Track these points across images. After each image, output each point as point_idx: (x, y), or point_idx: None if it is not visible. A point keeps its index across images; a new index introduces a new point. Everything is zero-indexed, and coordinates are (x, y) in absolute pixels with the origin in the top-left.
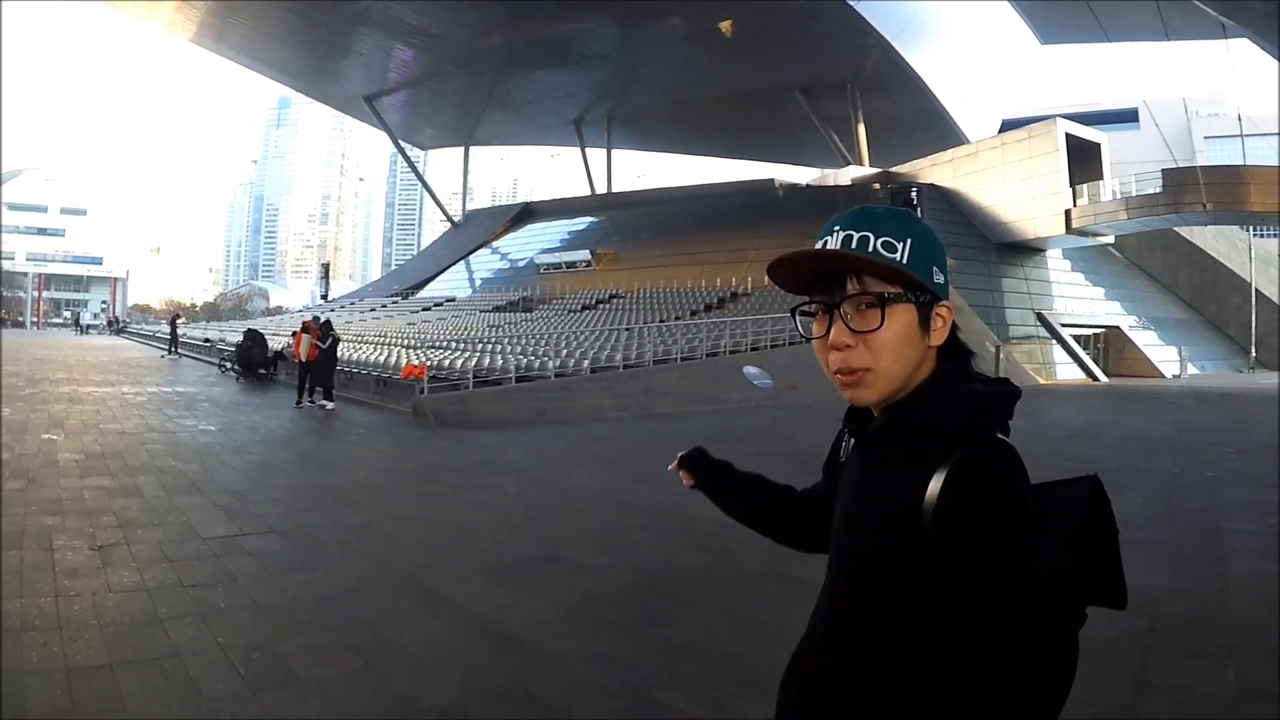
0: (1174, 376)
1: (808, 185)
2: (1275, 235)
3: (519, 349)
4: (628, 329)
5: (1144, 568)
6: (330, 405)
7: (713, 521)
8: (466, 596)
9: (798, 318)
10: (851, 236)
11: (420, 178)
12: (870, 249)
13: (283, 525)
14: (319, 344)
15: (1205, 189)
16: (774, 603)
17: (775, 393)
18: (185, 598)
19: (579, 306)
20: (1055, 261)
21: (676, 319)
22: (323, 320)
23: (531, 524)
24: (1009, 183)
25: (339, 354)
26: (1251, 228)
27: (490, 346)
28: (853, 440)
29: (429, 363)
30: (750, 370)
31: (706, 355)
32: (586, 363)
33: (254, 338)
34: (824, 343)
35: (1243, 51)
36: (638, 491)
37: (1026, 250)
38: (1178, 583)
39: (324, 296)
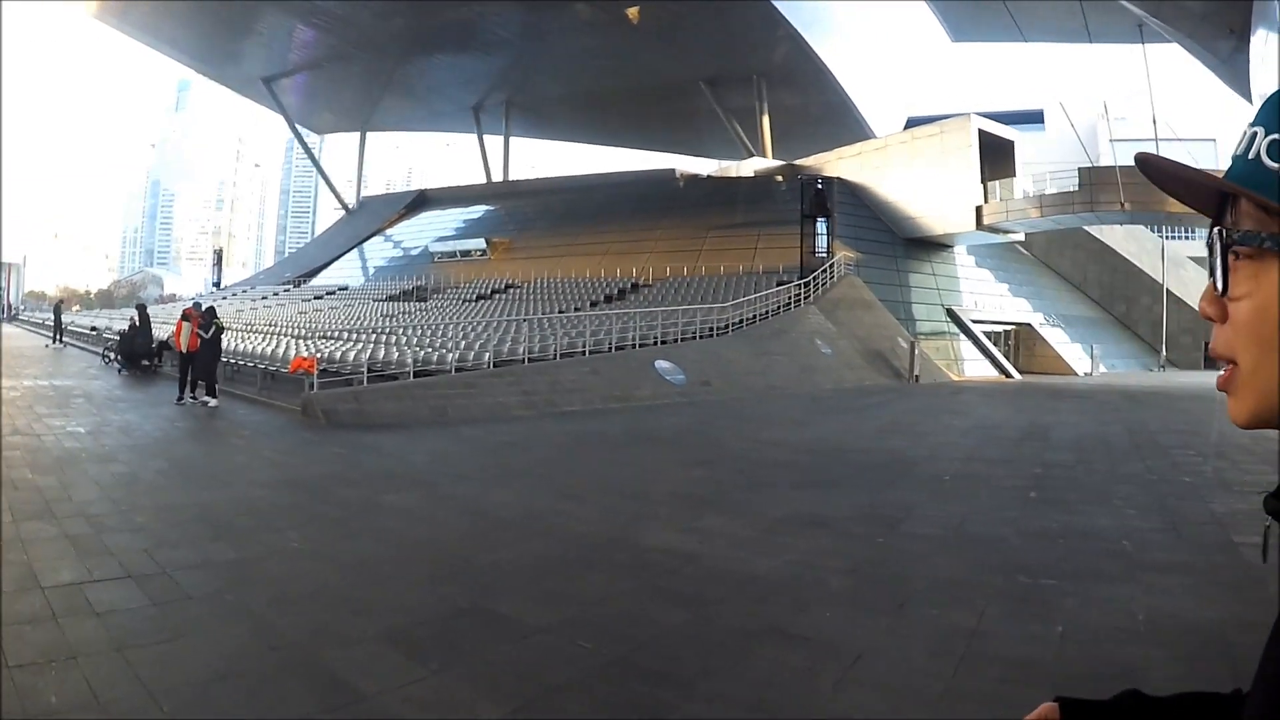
0: (1085, 374)
1: (708, 176)
2: (1182, 238)
3: (416, 340)
4: (526, 319)
5: (1188, 596)
6: (213, 402)
7: (667, 552)
8: (376, 682)
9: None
10: (1246, 135)
11: (315, 163)
12: (1253, 153)
13: (142, 567)
14: (201, 333)
15: (1124, 188)
16: (783, 674)
17: (688, 389)
18: None
19: (474, 296)
20: (962, 258)
21: (576, 310)
22: (205, 307)
23: (449, 561)
24: (919, 178)
25: (223, 344)
26: (1159, 229)
27: (385, 338)
28: None
29: (319, 355)
30: (662, 365)
31: (615, 348)
32: (488, 356)
33: (142, 316)
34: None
35: (1157, 56)
36: (568, 512)
37: (934, 246)
38: (1236, 612)
39: (217, 284)
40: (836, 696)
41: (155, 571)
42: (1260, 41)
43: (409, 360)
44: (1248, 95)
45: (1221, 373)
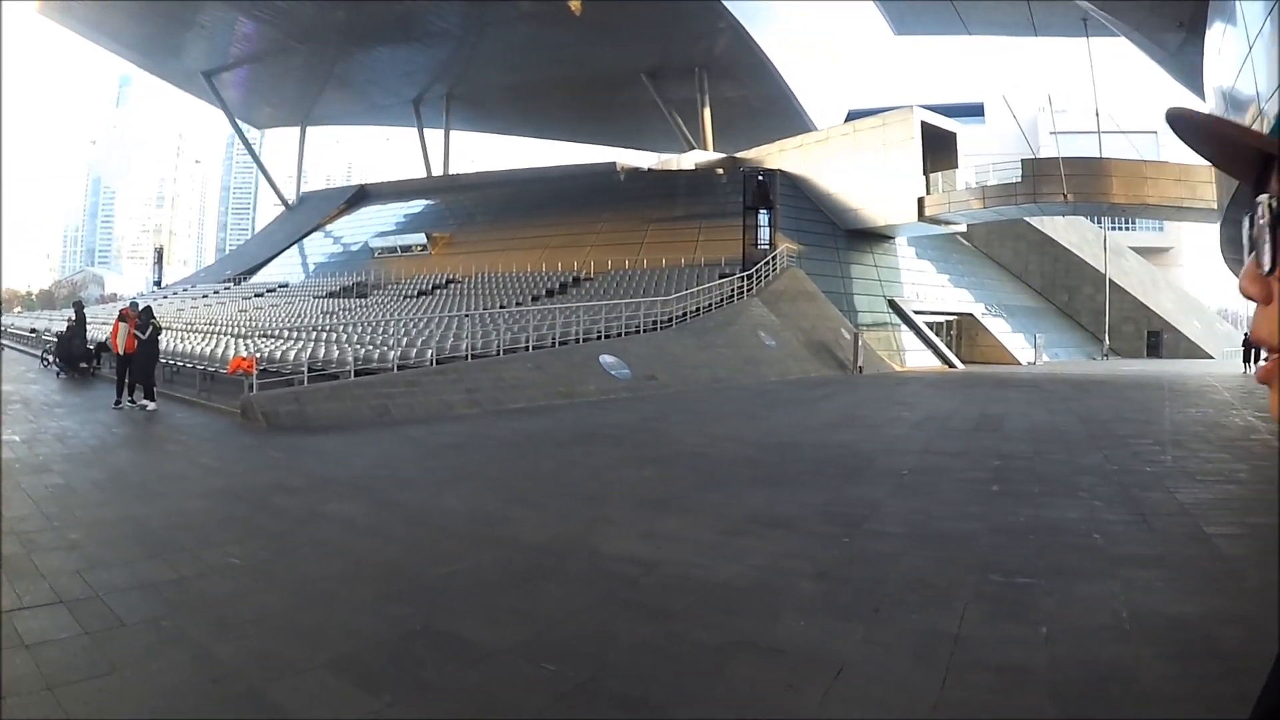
0: (1029, 364)
1: (649, 169)
2: (1122, 229)
3: (356, 338)
4: (468, 315)
5: (1168, 591)
6: (152, 406)
7: (627, 560)
8: (327, 716)
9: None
10: None
11: (256, 158)
12: None
13: (74, 590)
14: (138, 334)
15: (1066, 180)
16: (763, 692)
17: (634, 383)
18: None
19: (415, 292)
20: (903, 249)
21: (517, 305)
22: (142, 307)
23: (398, 576)
24: (861, 170)
25: (161, 345)
26: (1099, 220)
27: (326, 335)
28: None
29: (258, 355)
30: (607, 360)
31: (559, 343)
32: (431, 352)
33: (79, 316)
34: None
35: (1099, 50)
36: (519, 518)
37: (875, 237)
38: (1218, 606)
39: (158, 283)
40: (823, 715)
41: (89, 596)
42: (1217, 35)
43: (350, 358)
44: (1197, 88)
45: (1263, 362)
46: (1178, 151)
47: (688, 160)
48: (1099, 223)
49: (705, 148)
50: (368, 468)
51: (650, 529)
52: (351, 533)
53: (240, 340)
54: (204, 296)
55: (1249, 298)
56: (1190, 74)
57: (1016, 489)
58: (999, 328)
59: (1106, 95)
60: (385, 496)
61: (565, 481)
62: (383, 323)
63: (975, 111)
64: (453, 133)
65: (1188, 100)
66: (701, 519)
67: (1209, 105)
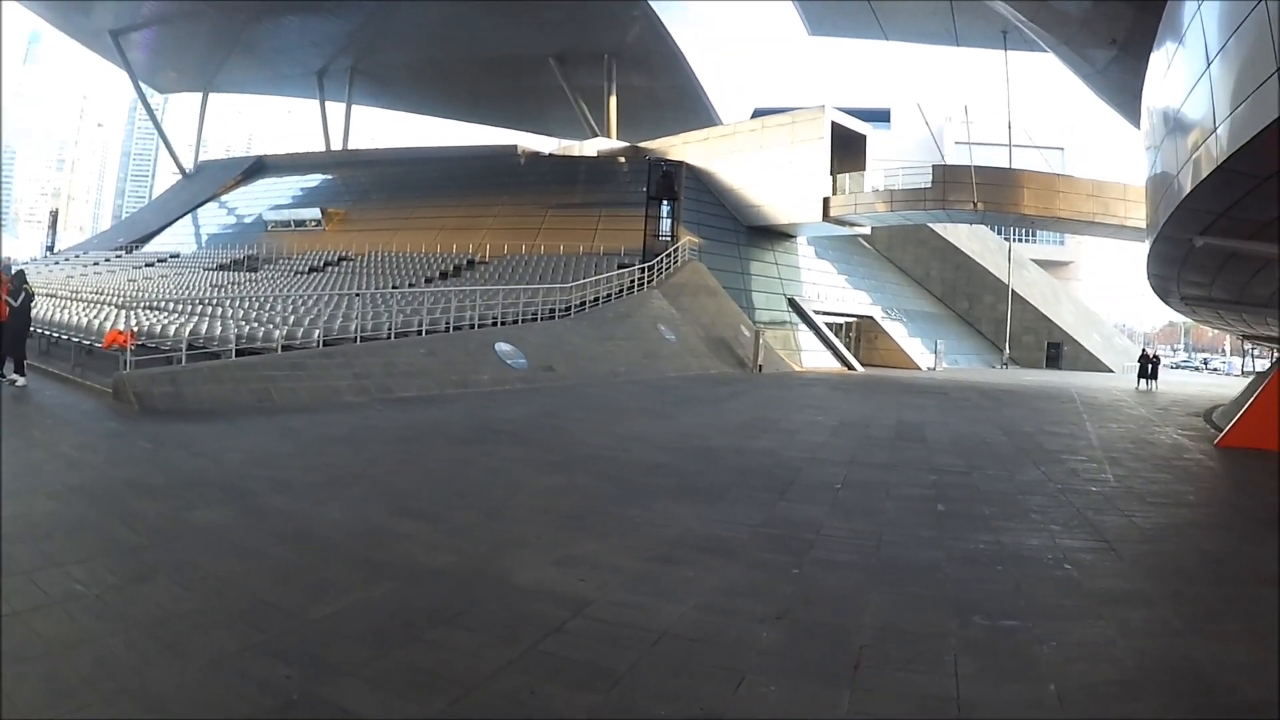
0: (929, 369)
1: (550, 154)
2: (1025, 240)
3: (242, 314)
4: (359, 294)
5: (1166, 634)
6: (21, 381)
7: (547, 596)
8: None
9: None
10: None
11: (156, 123)
12: None
13: None
14: (9, 300)
15: (977, 189)
16: None
17: (530, 373)
18: None
19: (306, 268)
20: (804, 248)
21: (410, 286)
22: (15, 271)
23: (270, 616)
24: (767, 167)
25: (33, 313)
26: (1000, 230)
27: (210, 310)
28: None
29: (136, 329)
30: (503, 348)
31: (453, 328)
32: (318, 333)
33: None
34: None
35: (1011, 63)
36: (414, 536)
37: (777, 235)
38: (1225, 650)
39: (50, 248)
40: None
41: None
42: (1164, 55)
43: (231, 336)
44: (1122, 105)
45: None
46: (1085, 167)
47: (590, 147)
48: (1001, 233)
49: (609, 136)
50: (243, 465)
51: (569, 553)
52: (218, 551)
53: (122, 312)
54: (95, 264)
55: None
56: (1116, 91)
57: (964, 509)
58: (899, 332)
59: (1017, 109)
60: (259, 503)
61: (464, 488)
62: (270, 299)
63: (881, 117)
64: (356, 108)
65: (1095, 118)
66: (626, 541)
67: (1145, 126)
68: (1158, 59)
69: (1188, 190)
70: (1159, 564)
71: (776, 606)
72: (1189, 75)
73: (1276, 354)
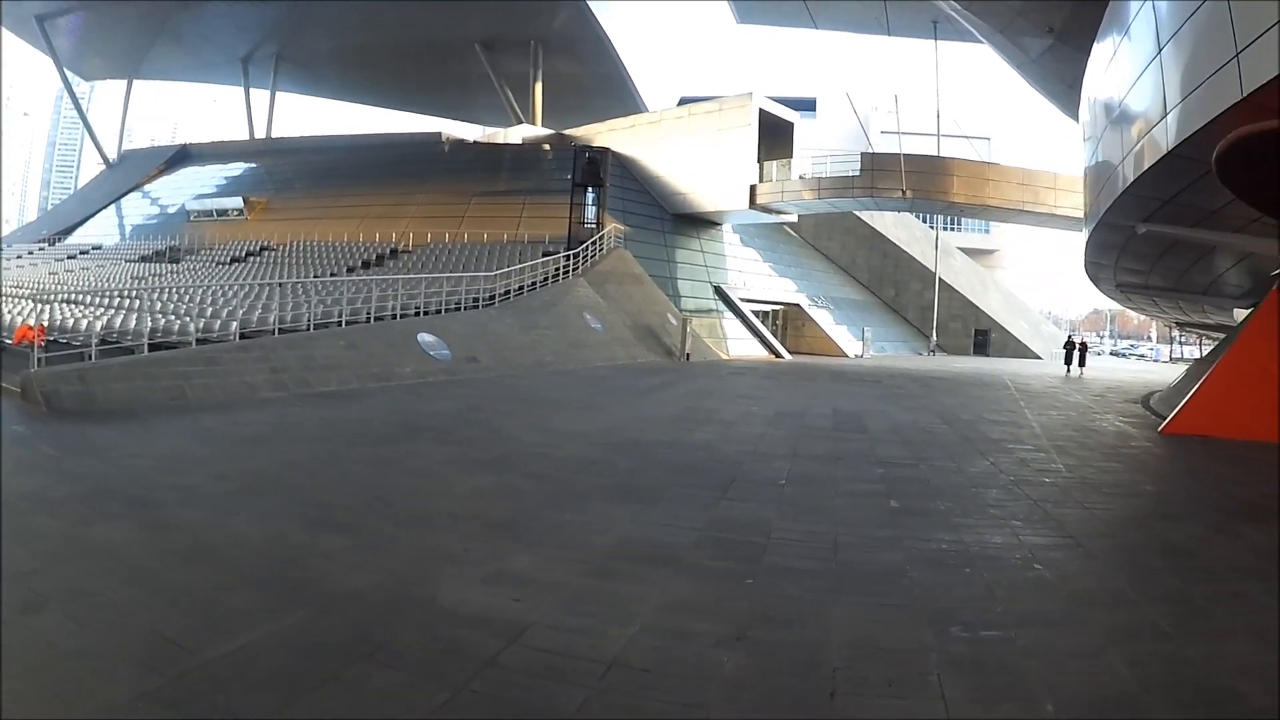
0: (857, 356)
1: (475, 142)
2: (952, 229)
3: (159, 307)
4: (280, 283)
5: (1156, 638)
6: None
7: (477, 622)
8: None
9: None
10: None
11: (80, 111)
12: None
13: None
14: None
15: (906, 176)
16: None
17: (454, 365)
18: None
19: (228, 259)
20: (729, 236)
21: (332, 275)
22: None
23: (168, 653)
24: (694, 154)
25: None
26: (927, 219)
27: (127, 303)
28: None
29: (48, 323)
30: (426, 339)
31: (374, 319)
32: (235, 325)
33: None
34: None
35: (944, 52)
36: (330, 551)
37: (703, 223)
38: (1218, 652)
39: None
40: None
41: None
42: (1109, 46)
43: (145, 330)
44: (1055, 94)
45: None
46: (1011, 156)
47: (515, 134)
48: (927, 221)
49: (534, 123)
50: (149, 471)
51: (500, 567)
52: (115, 575)
53: (36, 305)
54: (18, 256)
55: None
56: (1050, 80)
57: (918, 505)
58: (826, 319)
59: (944, 99)
60: (164, 515)
61: (385, 494)
62: (187, 291)
63: (807, 107)
64: (283, 96)
65: (1035, 108)
66: (562, 551)
67: (1085, 118)
68: (1100, 51)
69: (1132, 178)
70: (1130, 560)
71: (734, 625)
72: (1135, 66)
73: (1215, 342)
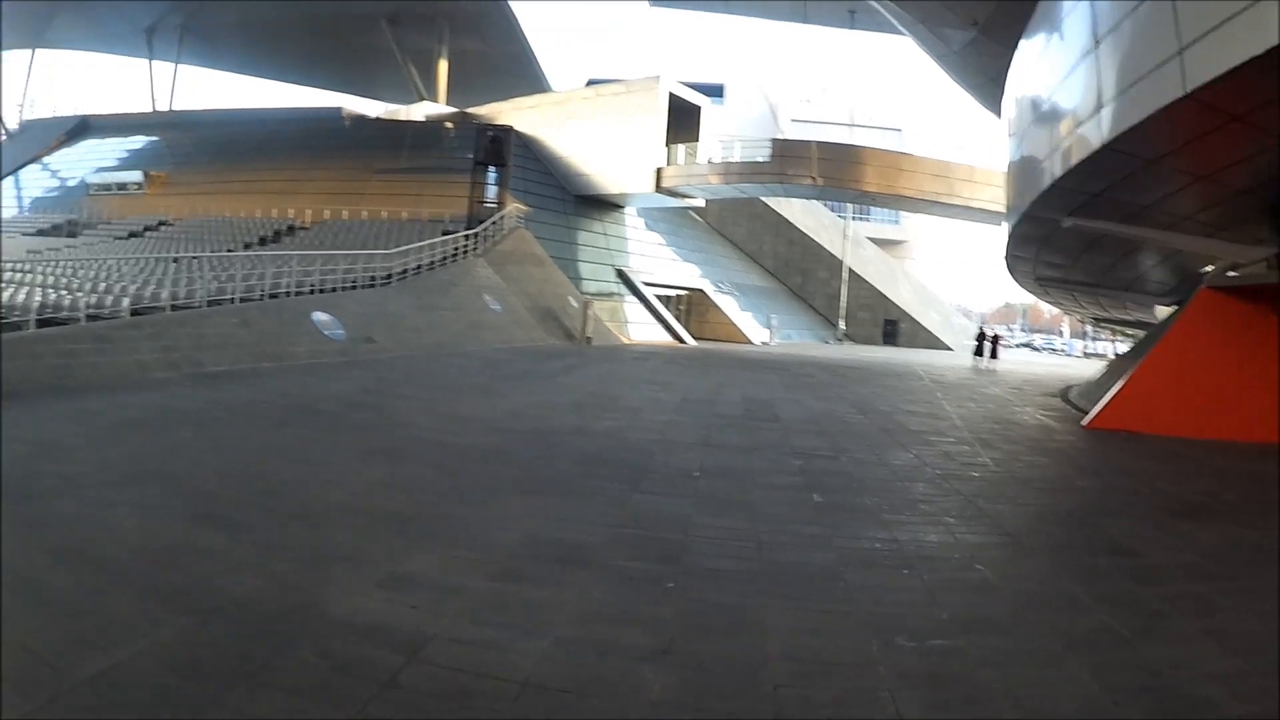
0: (763, 343)
1: (376, 118)
2: (861, 219)
3: (52, 280)
4: (176, 258)
5: (1116, 645)
6: None
7: (372, 634)
8: None
9: None
10: None
11: None
12: None
13: None
14: None
15: (818, 163)
16: None
17: (349, 346)
18: None
19: (126, 233)
20: (633, 219)
21: (228, 251)
22: None
23: (37, 678)
24: (600, 135)
25: None
26: (835, 207)
27: (16, 277)
28: None
29: None
30: (320, 318)
31: (268, 296)
32: (127, 301)
33: None
34: None
35: (857, 42)
36: (214, 550)
37: (606, 205)
38: (1194, 660)
39: None
40: None
41: None
42: (1038, 42)
43: (33, 306)
44: (978, 87)
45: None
46: (922, 148)
47: (418, 111)
48: (836, 210)
49: (438, 101)
50: (28, 459)
51: (396, 569)
52: None
53: None
54: None
55: None
56: (970, 73)
57: (844, 500)
58: (730, 305)
59: (856, 90)
60: (38, 508)
61: (275, 485)
62: (80, 265)
63: (715, 93)
64: (189, 69)
65: (955, 101)
66: (465, 550)
67: (1009, 113)
68: (1029, 46)
69: (1060, 172)
70: (1074, 559)
71: (658, 636)
72: (1067, 61)
73: (1130, 338)
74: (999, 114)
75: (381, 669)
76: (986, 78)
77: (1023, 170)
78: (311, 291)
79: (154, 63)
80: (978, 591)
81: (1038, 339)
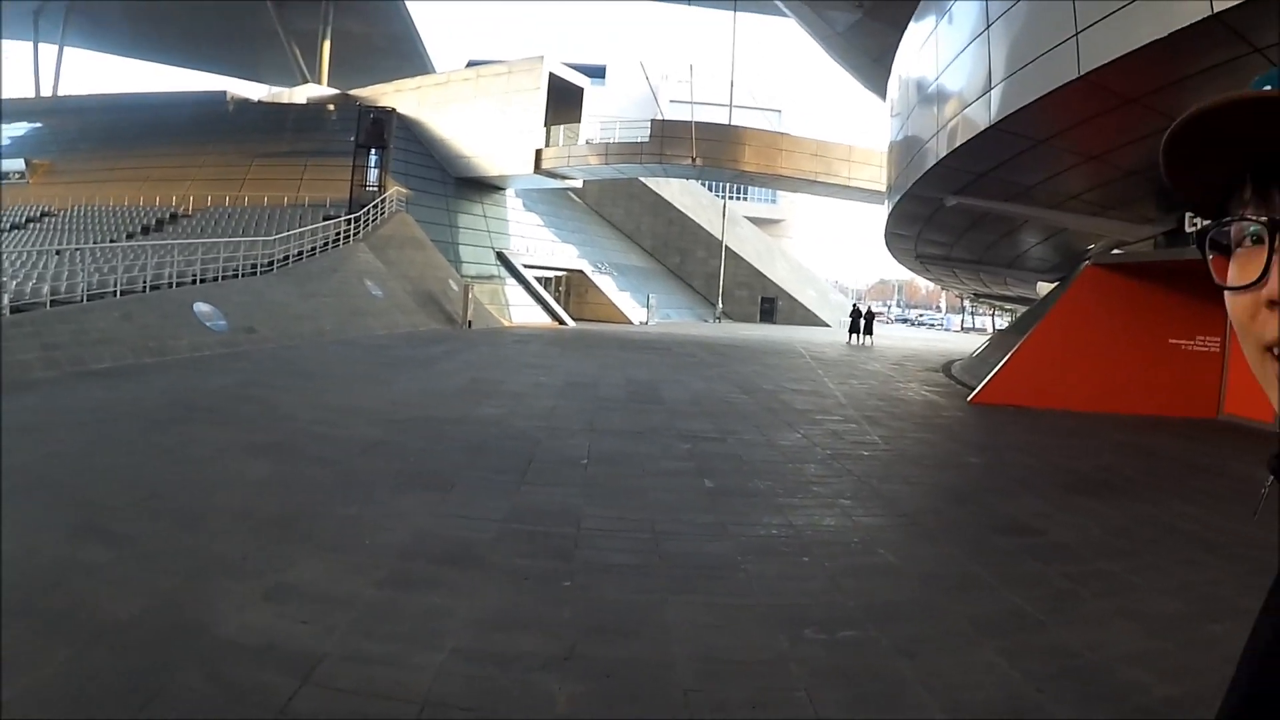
0: (642, 323)
1: (260, 101)
2: (739, 199)
3: None
4: (60, 250)
5: (1036, 631)
6: None
7: (259, 653)
8: None
9: (1209, 248)
10: None
11: None
12: None
13: None
14: None
15: (697, 144)
16: None
17: (231, 336)
18: None
19: (8, 225)
20: (512, 201)
21: (111, 241)
22: None
23: None
24: (481, 117)
25: None
26: (714, 186)
27: None
28: None
29: None
30: (202, 309)
31: (150, 288)
32: (7, 298)
33: None
34: (1253, 297)
35: (743, 24)
36: (95, 566)
37: (486, 187)
38: (1104, 643)
39: None
40: None
41: None
42: (925, 26)
43: None
44: (861, 68)
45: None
46: (801, 128)
47: (300, 94)
48: (714, 189)
49: (320, 83)
50: None
51: (284, 578)
52: None
53: None
54: None
55: None
56: (854, 54)
57: (736, 484)
58: (609, 286)
59: (737, 71)
60: None
61: (158, 488)
62: None
63: (597, 74)
64: (78, 53)
65: (835, 82)
66: (351, 555)
67: (894, 94)
68: (917, 29)
69: (945, 152)
70: (976, 539)
71: (559, 641)
72: (958, 40)
73: (1010, 313)
74: (882, 95)
75: (273, 694)
76: (870, 58)
77: (907, 150)
78: (194, 281)
79: (39, 45)
80: (882, 576)
81: (914, 314)
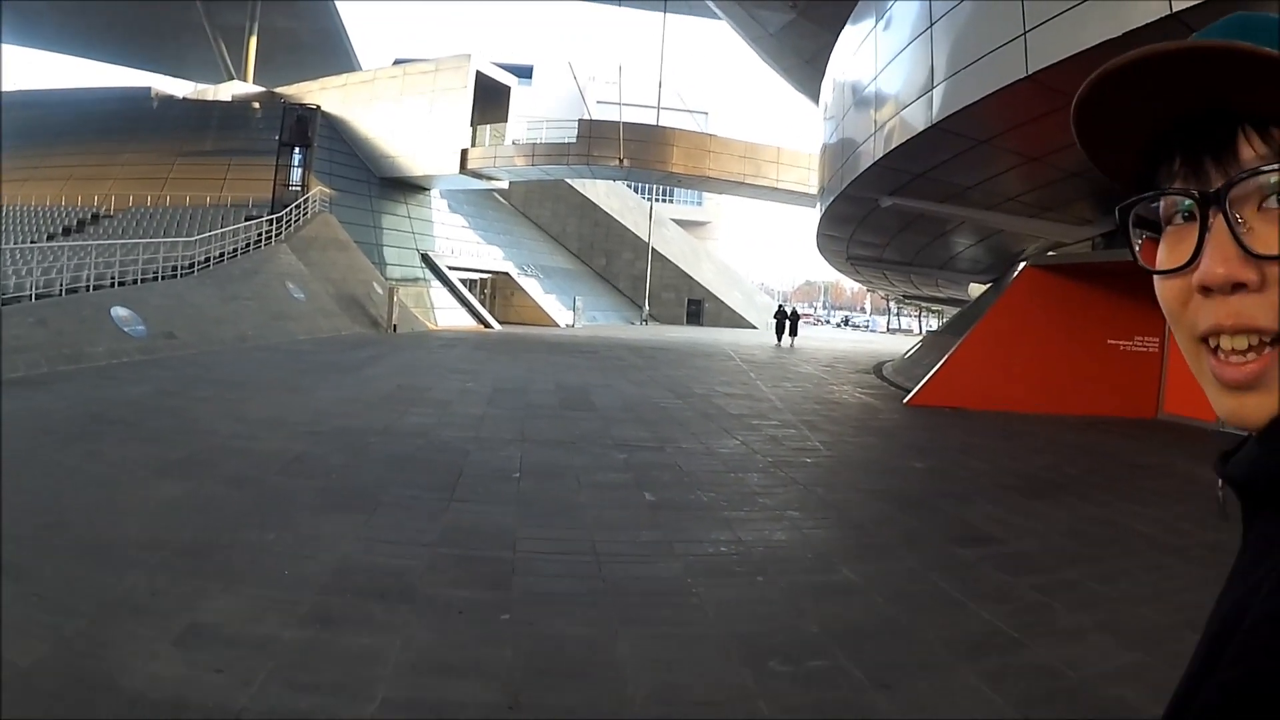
0: (568, 326)
1: (184, 99)
2: (665, 201)
3: None
4: None
5: (1011, 650)
6: None
7: (170, 704)
8: None
9: (1132, 227)
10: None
11: None
12: None
13: None
14: None
15: (625, 145)
16: None
17: (150, 342)
18: None
19: None
20: (437, 202)
21: (32, 243)
22: None
23: None
24: (406, 116)
25: None
26: (640, 188)
27: None
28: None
29: None
30: (120, 314)
31: (67, 292)
32: None
33: None
34: (1184, 281)
35: (671, 25)
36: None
37: (410, 188)
38: (1079, 659)
39: None
40: None
41: None
42: (861, 30)
43: None
44: (792, 70)
45: (1245, 360)
46: (728, 130)
47: (225, 91)
48: (640, 191)
49: (246, 79)
50: None
51: (196, 618)
52: None
53: None
54: None
55: (1238, 285)
56: (785, 55)
57: (679, 498)
58: (535, 288)
59: (665, 73)
60: None
61: (64, 513)
62: None
63: (525, 73)
64: (5, 49)
65: (763, 84)
66: (269, 588)
67: (827, 97)
68: (850, 34)
69: (882, 153)
70: (935, 552)
71: (502, 687)
72: (895, 42)
73: (939, 314)
74: (814, 97)
75: None
76: (802, 59)
77: (841, 151)
78: (112, 284)
79: None
80: (843, 596)
81: (838, 315)
